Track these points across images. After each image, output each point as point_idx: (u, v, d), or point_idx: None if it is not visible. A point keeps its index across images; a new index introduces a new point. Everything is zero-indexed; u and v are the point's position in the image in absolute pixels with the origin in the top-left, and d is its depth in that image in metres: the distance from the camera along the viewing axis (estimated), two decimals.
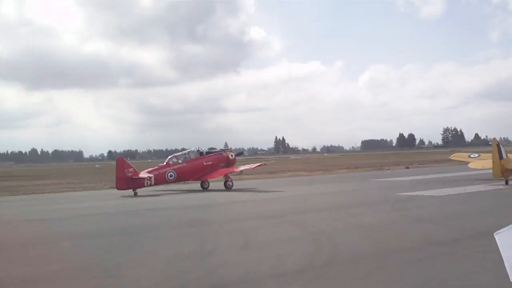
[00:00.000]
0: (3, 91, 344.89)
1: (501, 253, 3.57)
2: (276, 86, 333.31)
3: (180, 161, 35.47)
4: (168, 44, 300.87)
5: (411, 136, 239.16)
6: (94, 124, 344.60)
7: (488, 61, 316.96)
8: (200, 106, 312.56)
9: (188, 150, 37.66)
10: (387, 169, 58.82)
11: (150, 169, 34.69)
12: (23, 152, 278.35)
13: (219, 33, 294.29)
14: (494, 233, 4.01)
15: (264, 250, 12.74)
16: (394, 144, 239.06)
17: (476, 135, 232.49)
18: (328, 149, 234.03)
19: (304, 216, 19.03)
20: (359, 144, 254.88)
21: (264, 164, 41.17)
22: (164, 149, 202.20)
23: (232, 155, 37.43)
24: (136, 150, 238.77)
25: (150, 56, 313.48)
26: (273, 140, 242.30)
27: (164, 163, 35.34)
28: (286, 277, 9.86)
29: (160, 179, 33.83)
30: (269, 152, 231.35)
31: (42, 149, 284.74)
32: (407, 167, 60.54)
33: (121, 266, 11.48)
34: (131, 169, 32.58)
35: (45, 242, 15.46)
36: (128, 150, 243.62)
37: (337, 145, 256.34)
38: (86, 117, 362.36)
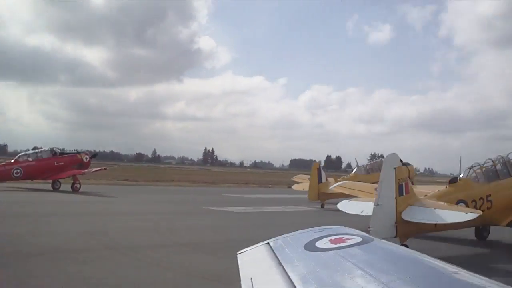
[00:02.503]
0: None
1: (240, 272, 3.49)
2: (217, 97, 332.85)
3: (30, 159, 35.91)
4: (114, 45, 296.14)
5: (339, 159, 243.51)
6: (25, 118, 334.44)
7: (426, 92, 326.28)
8: (138, 111, 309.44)
9: (41, 149, 38.15)
10: (270, 187, 60.68)
11: None
12: None
13: (168, 39, 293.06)
14: (237, 253, 3.92)
15: None
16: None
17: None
18: (256, 165, 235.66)
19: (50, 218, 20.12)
20: (288, 162, 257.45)
21: (105, 169, 41.89)
22: (93, 150, 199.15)
23: (86, 158, 38.24)
24: (64, 149, 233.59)
25: (94, 56, 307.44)
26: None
27: (13, 160, 35.81)
28: None
29: (4, 175, 34.25)
30: (197, 163, 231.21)
31: None
32: (289, 187, 62.11)
33: None
34: None
35: None
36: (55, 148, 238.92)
37: (267, 161, 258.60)
38: (19, 110, 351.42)
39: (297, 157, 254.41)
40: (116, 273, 10.91)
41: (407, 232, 13.06)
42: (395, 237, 12.52)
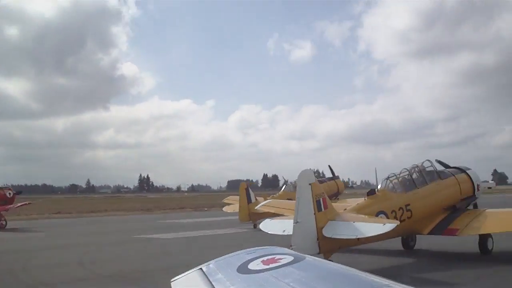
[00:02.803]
0: None
1: None
2: (146, 123, 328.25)
3: None
4: (34, 76, 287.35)
5: (275, 177, 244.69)
6: None
7: (353, 105, 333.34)
8: (67, 141, 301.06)
9: None
10: (206, 210, 60.21)
11: None
12: None
13: (89, 67, 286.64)
14: (171, 280, 3.75)
15: None
16: (259, 185, 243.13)
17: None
18: (194, 189, 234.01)
19: None
20: (226, 184, 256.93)
21: (29, 203, 40.47)
22: (24, 184, 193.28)
23: (10, 193, 36.82)
24: None
25: (15, 87, 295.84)
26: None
27: None
28: None
29: None
30: (133, 190, 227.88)
31: None
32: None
33: None
34: None
35: None
36: None
37: (204, 184, 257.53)
38: None
39: (234, 178, 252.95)
40: None
41: (331, 248, 13.05)
42: (319, 253, 12.50)
